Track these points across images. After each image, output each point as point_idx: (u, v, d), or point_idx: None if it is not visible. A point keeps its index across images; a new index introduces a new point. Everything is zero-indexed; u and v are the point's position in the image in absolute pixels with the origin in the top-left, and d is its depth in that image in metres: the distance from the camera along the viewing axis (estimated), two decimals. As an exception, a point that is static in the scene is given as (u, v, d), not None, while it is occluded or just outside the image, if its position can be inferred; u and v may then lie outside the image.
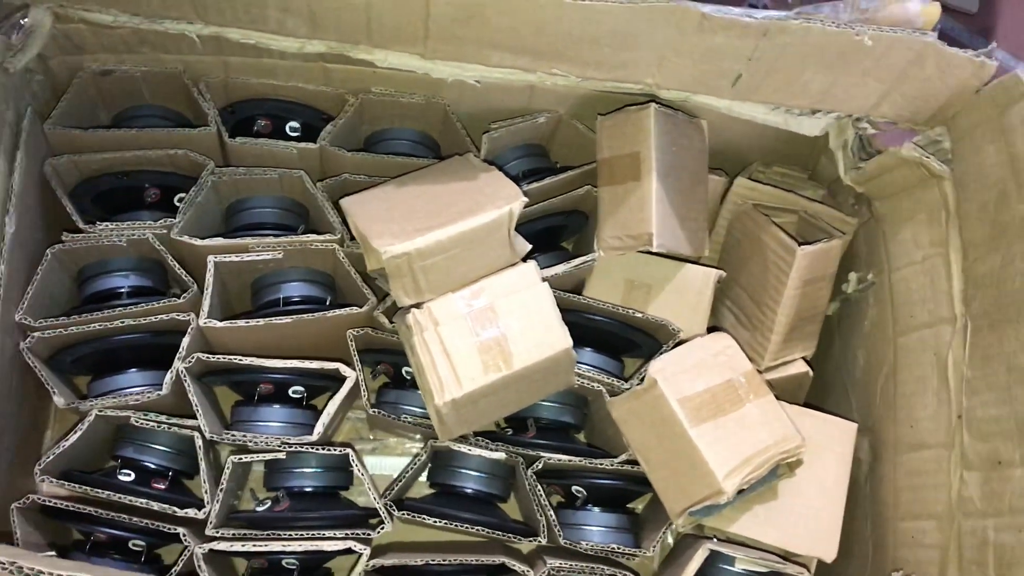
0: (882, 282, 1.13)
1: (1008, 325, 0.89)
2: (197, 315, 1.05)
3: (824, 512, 1.06)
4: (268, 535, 1.02)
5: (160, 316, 1.05)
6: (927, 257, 1.04)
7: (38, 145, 1.08)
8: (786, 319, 1.11)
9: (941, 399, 0.99)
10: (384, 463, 1.25)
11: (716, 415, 1.01)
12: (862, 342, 1.16)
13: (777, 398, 1.05)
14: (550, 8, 0.94)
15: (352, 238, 1.09)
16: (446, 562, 1.03)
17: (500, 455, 1.09)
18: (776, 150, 1.22)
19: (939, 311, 1.01)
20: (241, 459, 1.05)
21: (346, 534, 1.03)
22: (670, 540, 1.22)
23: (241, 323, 1.05)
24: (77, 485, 1.01)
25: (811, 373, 1.17)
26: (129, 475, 1.04)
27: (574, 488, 1.12)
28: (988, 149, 0.95)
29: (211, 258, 1.07)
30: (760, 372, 1.09)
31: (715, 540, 1.04)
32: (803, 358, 1.17)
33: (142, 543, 1.05)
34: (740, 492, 0.99)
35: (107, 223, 1.09)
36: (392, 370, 1.16)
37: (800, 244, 1.08)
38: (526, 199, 0.99)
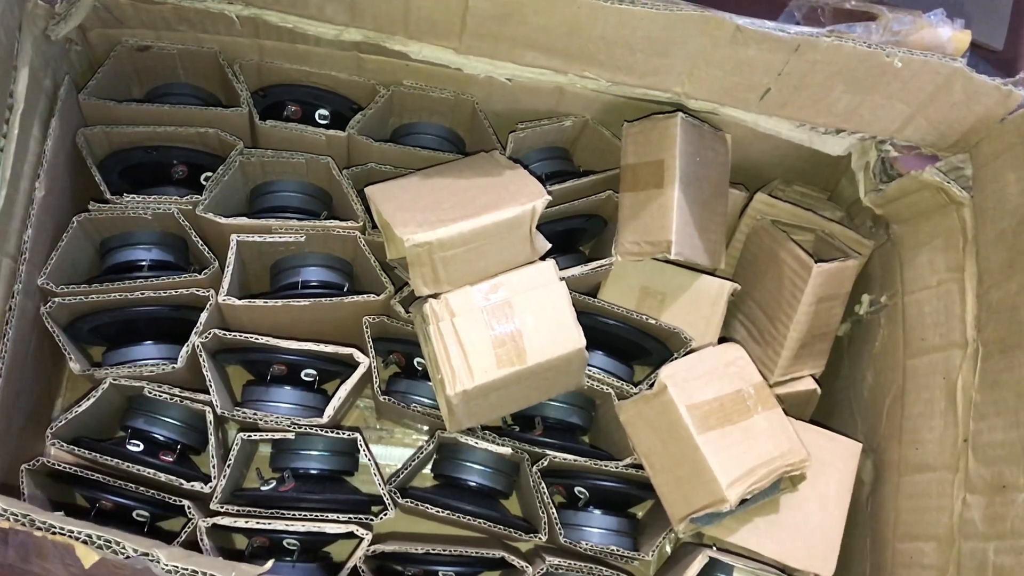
0: (895, 305, 1.13)
1: (1020, 351, 0.90)
2: (216, 292, 1.06)
3: (824, 528, 1.06)
4: (271, 514, 1.03)
5: (180, 290, 1.06)
6: (942, 282, 1.05)
7: (72, 114, 1.10)
8: (798, 335, 1.12)
9: (948, 422, 1.00)
10: (390, 453, 1.26)
11: (723, 424, 1.02)
12: (871, 363, 1.17)
13: (784, 413, 1.06)
14: (586, 10, 0.95)
15: (374, 226, 1.10)
16: (446, 552, 1.04)
17: (506, 450, 1.10)
18: (798, 169, 1.23)
19: (951, 335, 1.02)
20: (250, 437, 1.06)
21: (348, 518, 1.04)
22: (668, 548, 1.22)
23: (259, 302, 1.06)
24: (86, 451, 1.02)
25: (819, 391, 1.18)
26: (138, 445, 1.05)
27: (577, 489, 1.13)
28: (1009, 177, 0.96)
29: (234, 237, 1.08)
30: (769, 387, 1.10)
31: (714, 548, 1.05)
32: (812, 376, 1.18)
33: (146, 513, 1.05)
34: (742, 503, 1.00)
35: (133, 195, 1.10)
36: (404, 360, 1.17)
37: (816, 261, 1.09)
38: (549, 197, 1.00)
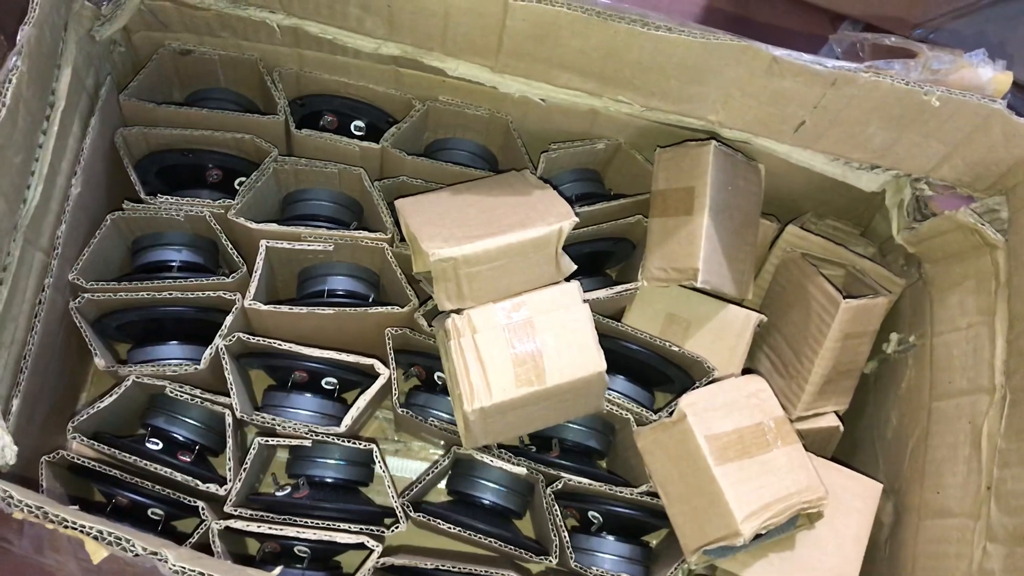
0: (923, 345, 1.12)
1: (1048, 400, 0.89)
2: (243, 296, 1.07)
3: (839, 569, 1.04)
4: (284, 520, 1.03)
5: (207, 292, 1.07)
6: (972, 325, 1.03)
7: (112, 114, 1.12)
8: (823, 370, 1.10)
9: (971, 468, 0.98)
10: (406, 465, 1.26)
11: (742, 456, 1.00)
12: (896, 403, 1.15)
13: (805, 449, 1.05)
14: (622, 35, 0.95)
15: (402, 239, 1.11)
16: (455, 569, 1.03)
17: (521, 470, 1.10)
18: (831, 202, 1.22)
19: (979, 380, 1.00)
20: (268, 441, 1.06)
21: (360, 529, 1.04)
22: (680, 579, 1.21)
23: (285, 308, 1.07)
24: (106, 447, 1.02)
25: (842, 428, 1.16)
26: (157, 444, 1.06)
27: (591, 513, 1.12)
28: (1046, 222, 0.94)
29: (263, 242, 1.09)
30: (791, 421, 1.09)
31: (726, 582, 1.04)
32: (835, 412, 1.16)
33: (161, 512, 1.06)
34: (757, 537, 0.99)
35: (167, 197, 1.12)
36: (424, 373, 1.17)
37: (845, 297, 1.07)
38: (577, 219, 1.00)
